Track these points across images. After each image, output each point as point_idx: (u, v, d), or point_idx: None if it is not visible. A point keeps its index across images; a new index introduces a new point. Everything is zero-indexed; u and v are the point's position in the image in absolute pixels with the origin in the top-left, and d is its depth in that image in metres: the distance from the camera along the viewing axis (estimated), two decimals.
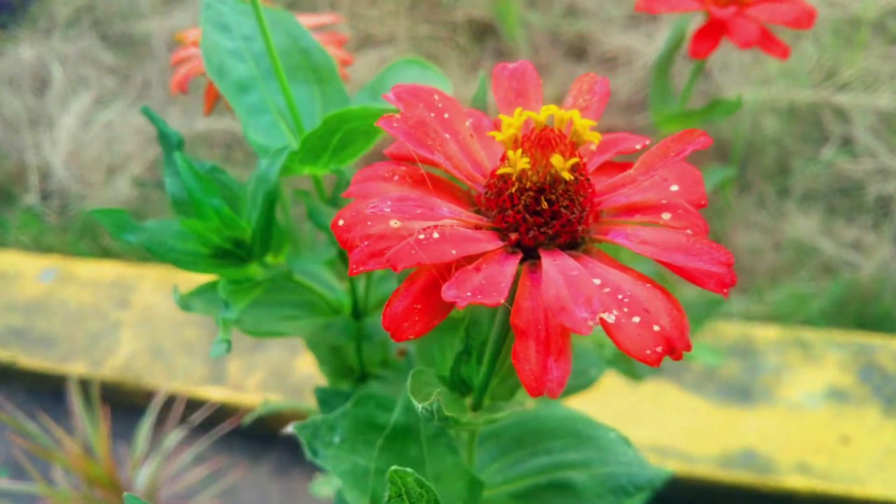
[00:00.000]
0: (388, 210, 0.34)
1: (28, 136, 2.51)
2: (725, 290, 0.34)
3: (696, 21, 0.76)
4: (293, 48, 0.67)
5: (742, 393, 1.75)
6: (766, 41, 0.64)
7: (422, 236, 0.33)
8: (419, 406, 0.38)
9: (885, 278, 1.93)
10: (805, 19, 0.63)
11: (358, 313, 0.76)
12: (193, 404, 1.81)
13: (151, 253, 0.60)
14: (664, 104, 0.75)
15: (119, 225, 0.58)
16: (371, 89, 0.62)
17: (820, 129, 2.23)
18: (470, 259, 0.35)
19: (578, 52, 2.47)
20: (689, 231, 0.34)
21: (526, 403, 0.71)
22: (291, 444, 1.85)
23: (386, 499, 0.32)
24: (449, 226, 0.35)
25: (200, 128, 2.40)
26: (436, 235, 0.34)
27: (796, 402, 1.72)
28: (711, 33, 0.65)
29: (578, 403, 1.10)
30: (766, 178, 2.18)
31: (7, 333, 2.06)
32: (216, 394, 1.84)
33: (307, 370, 1.88)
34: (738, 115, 2.24)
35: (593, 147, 0.42)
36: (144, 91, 2.59)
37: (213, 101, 0.80)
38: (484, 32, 2.52)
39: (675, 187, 0.38)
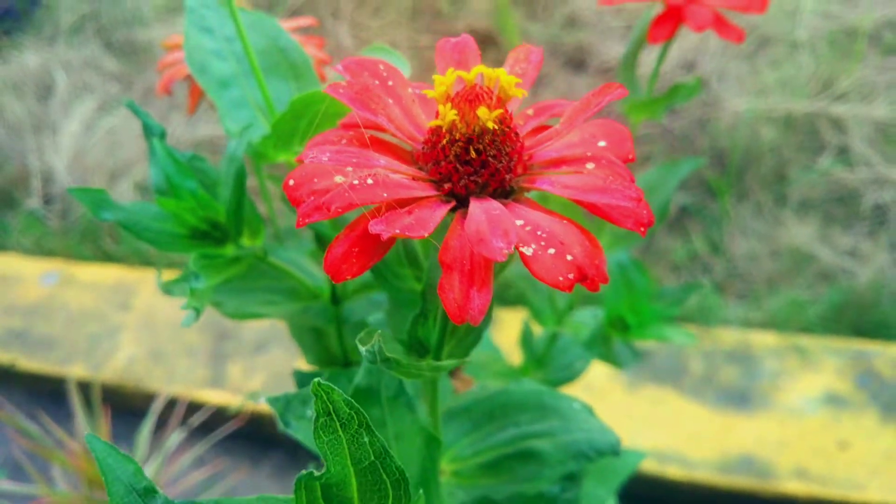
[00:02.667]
0: (326, 159, 0.37)
1: (31, 141, 2.55)
2: (643, 229, 0.36)
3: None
4: (272, 47, 0.71)
5: (740, 398, 1.75)
6: (720, 25, 0.66)
7: (356, 181, 0.36)
8: (363, 349, 0.40)
9: (882, 285, 1.94)
10: (757, 4, 0.66)
11: (336, 299, 0.79)
12: (194, 407, 1.82)
13: (129, 232, 0.62)
14: (631, 94, 0.78)
15: (97, 203, 0.61)
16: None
17: (817, 138, 2.25)
18: (403, 203, 0.37)
19: (578, 62, 2.50)
20: (610, 178, 0.36)
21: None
22: (292, 447, 1.86)
23: (313, 416, 0.34)
24: (384, 174, 0.37)
25: (203, 134, 2.44)
26: (370, 181, 0.36)
27: (794, 408, 1.72)
28: (668, 19, 0.68)
29: None
30: (763, 187, 2.20)
31: (8, 336, 2.08)
32: (217, 397, 1.86)
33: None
34: (736, 125, 2.26)
35: (531, 112, 0.44)
36: (147, 97, 2.63)
37: (197, 99, 0.84)
38: (484, 43, 2.55)
39: (602, 143, 0.41)
